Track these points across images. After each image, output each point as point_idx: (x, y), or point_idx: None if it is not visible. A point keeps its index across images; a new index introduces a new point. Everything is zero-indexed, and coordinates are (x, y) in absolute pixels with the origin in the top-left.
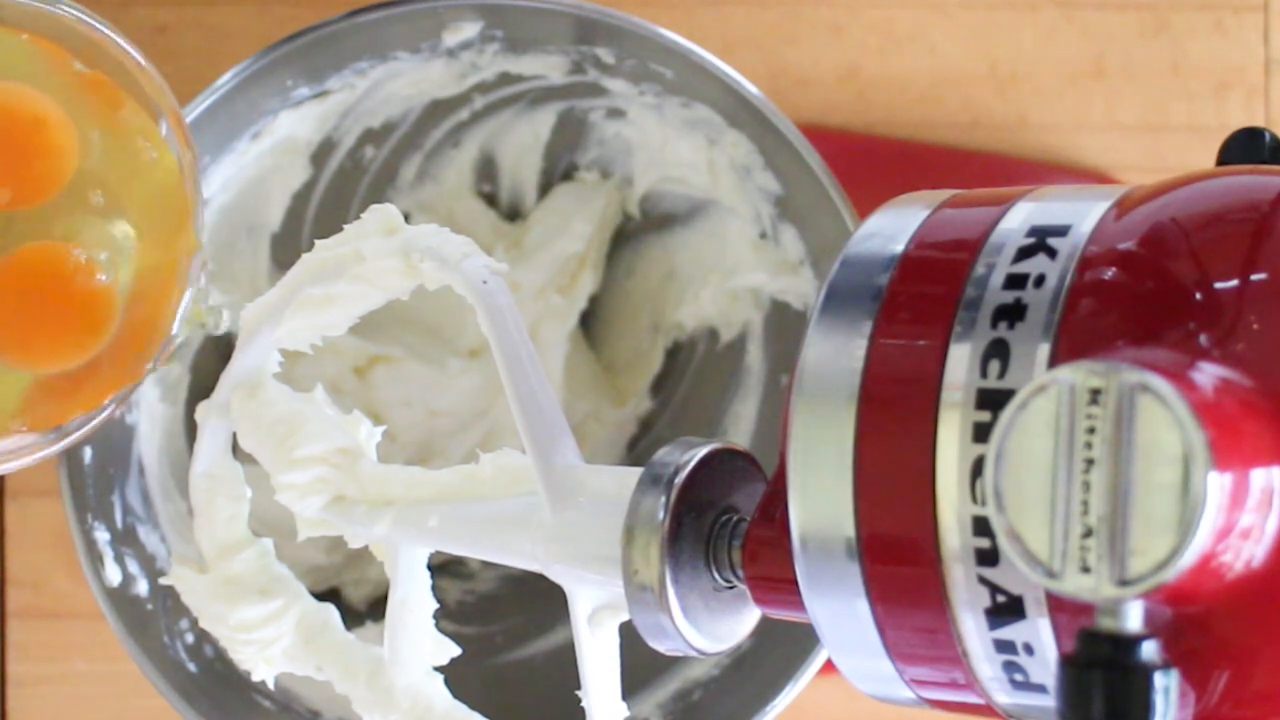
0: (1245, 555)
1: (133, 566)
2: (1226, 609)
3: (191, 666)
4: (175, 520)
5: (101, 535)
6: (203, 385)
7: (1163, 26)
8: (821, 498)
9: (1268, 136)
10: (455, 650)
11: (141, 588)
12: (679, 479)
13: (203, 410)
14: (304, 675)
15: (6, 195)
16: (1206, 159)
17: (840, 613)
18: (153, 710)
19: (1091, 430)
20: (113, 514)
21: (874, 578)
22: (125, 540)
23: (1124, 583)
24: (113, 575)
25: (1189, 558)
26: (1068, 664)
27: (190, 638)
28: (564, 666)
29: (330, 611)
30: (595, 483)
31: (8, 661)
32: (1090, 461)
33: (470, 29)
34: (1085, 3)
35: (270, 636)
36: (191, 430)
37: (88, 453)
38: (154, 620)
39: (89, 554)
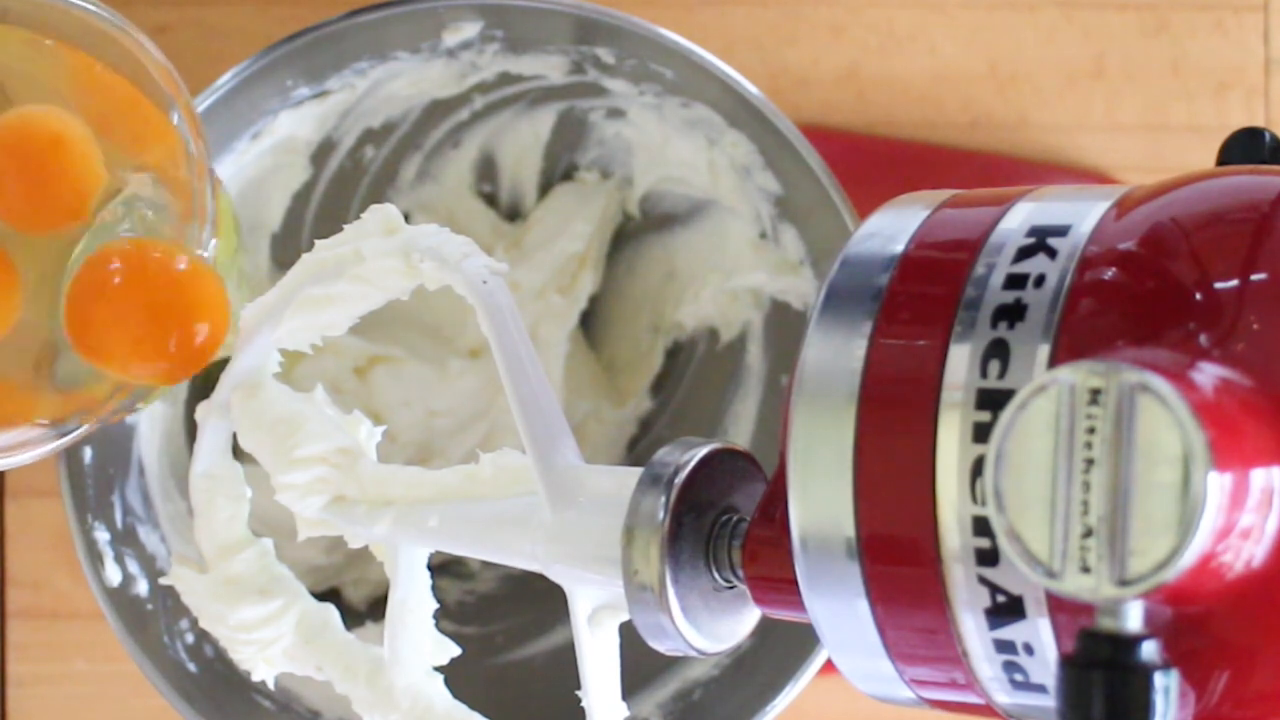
0: (1245, 555)
1: (133, 566)
2: (1226, 609)
3: (191, 666)
4: (175, 520)
5: (101, 535)
6: (203, 385)
7: (1163, 26)
8: (821, 498)
9: (1268, 136)
10: (455, 650)
11: (141, 588)
12: (679, 479)
13: (203, 410)
14: (304, 675)
15: (77, 228)
16: (1206, 159)
17: (840, 613)
18: (153, 710)
19: (1091, 430)
20: (113, 514)
21: (874, 578)
22: (125, 540)
23: (1124, 583)
24: (113, 575)
25: (1189, 558)
26: (1068, 664)
27: (190, 638)
28: (564, 666)
29: (330, 611)
30: (595, 483)
31: (8, 661)
32: (1090, 461)
33: (470, 29)
34: (1085, 3)
35: (270, 636)
36: (191, 430)
37: (88, 453)
38: (154, 620)
39: (89, 554)
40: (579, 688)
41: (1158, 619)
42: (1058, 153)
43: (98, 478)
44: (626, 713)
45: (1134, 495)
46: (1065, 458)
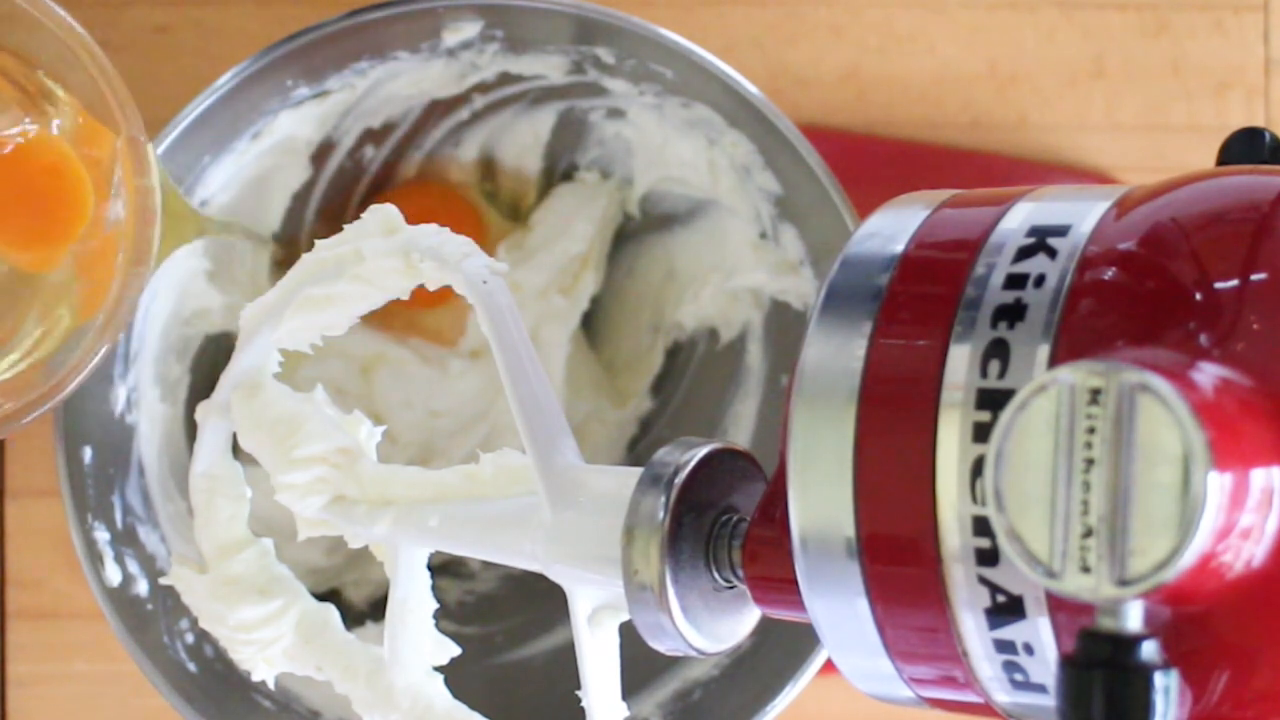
0: (1245, 555)
1: (133, 566)
2: (1226, 609)
3: (191, 666)
4: (175, 520)
5: (101, 535)
6: (203, 385)
7: (1163, 26)
8: (821, 498)
9: (1268, 136)
10: (455, 650)
11: (141, 588)
12: (679, 479)
13: (203, 410)
14: (304, 675)
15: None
16: (1206, 159)
17: (840, 612)
18: (153, 710)
19: (1091, 430)
20: (113, 514)
21: (874, 577)
22: (125, 540)
23: (1124, 583)
24: (113, 575)
25: (1189, 558)
26: (1068, 664)
27: (190, 638)
28: (564, 666)
29: (330, 611)
30: (595, 483)
31: (8, 661)
32: (1090, 461)
33: (470, 29)
34: (1085, 3)
35: (270, 637)
36: (191, 430)
37: (88, 453)
38: (154, 620)
39: (89, 554)
40: (579, 688)
41: (1158, 619)
42: (1058, 153)
43: (98, 478)
44: (626, 713)
45: (1134, 495)
46: (1065, 458)
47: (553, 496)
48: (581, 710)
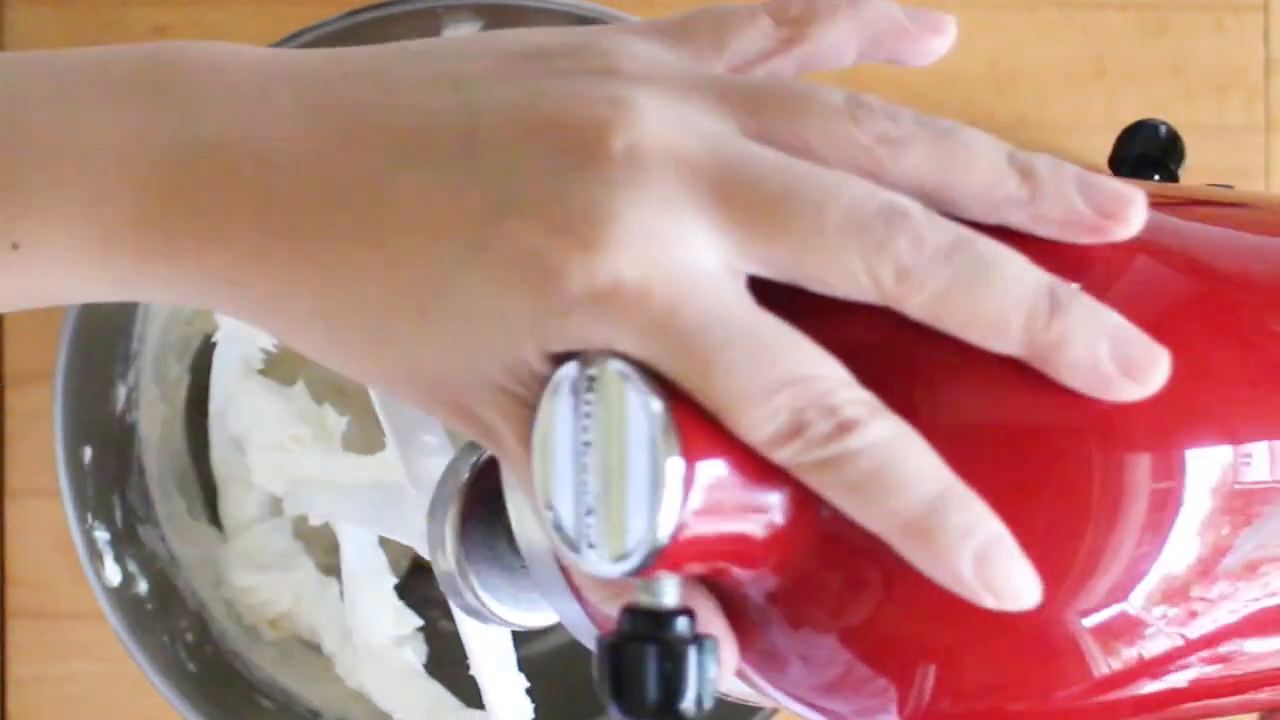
0: (765, 521)
1: (133, 566)
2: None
3: (191, 666)
4: (175, 520)
5: (101, 535)
6: (202, 385)
7: (1163, 26)
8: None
9: (1163, 130)
10: (417, 621)
11: (141, 588)
12: (483, 455)
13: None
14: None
15: None
16: (1207, 159)
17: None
18: (153, 710)
19: (588, 415)
20: (113, 514)
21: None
22: (125, 540)
23: (618, 558)
24: (113, 575)
25: (663, 535)
26: (605, 641)
27: (190, 637)
28: (564, 666)
29: (330, 583)
30: (443, 464)
31: (8, 661)
32: (587, 444)
33: (470, 28)
34: (1085, 3)
35: (272, 598)
36: (191, 430)
37: (88, 453)
38: (154, 620)
39: (89, 554)
40: (578, 686)
41: (764, 590)
42: (1058, 153)
43: (98, 478)
44: (525, 684)
45: (620, 476)
46: (575, 442)
47: (412, 477)
48: (583, 708)
